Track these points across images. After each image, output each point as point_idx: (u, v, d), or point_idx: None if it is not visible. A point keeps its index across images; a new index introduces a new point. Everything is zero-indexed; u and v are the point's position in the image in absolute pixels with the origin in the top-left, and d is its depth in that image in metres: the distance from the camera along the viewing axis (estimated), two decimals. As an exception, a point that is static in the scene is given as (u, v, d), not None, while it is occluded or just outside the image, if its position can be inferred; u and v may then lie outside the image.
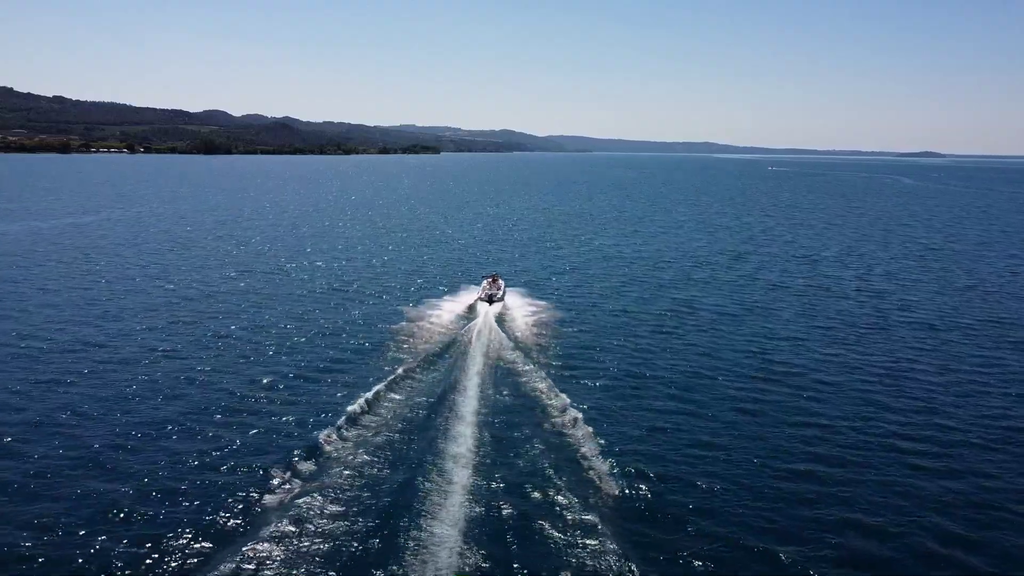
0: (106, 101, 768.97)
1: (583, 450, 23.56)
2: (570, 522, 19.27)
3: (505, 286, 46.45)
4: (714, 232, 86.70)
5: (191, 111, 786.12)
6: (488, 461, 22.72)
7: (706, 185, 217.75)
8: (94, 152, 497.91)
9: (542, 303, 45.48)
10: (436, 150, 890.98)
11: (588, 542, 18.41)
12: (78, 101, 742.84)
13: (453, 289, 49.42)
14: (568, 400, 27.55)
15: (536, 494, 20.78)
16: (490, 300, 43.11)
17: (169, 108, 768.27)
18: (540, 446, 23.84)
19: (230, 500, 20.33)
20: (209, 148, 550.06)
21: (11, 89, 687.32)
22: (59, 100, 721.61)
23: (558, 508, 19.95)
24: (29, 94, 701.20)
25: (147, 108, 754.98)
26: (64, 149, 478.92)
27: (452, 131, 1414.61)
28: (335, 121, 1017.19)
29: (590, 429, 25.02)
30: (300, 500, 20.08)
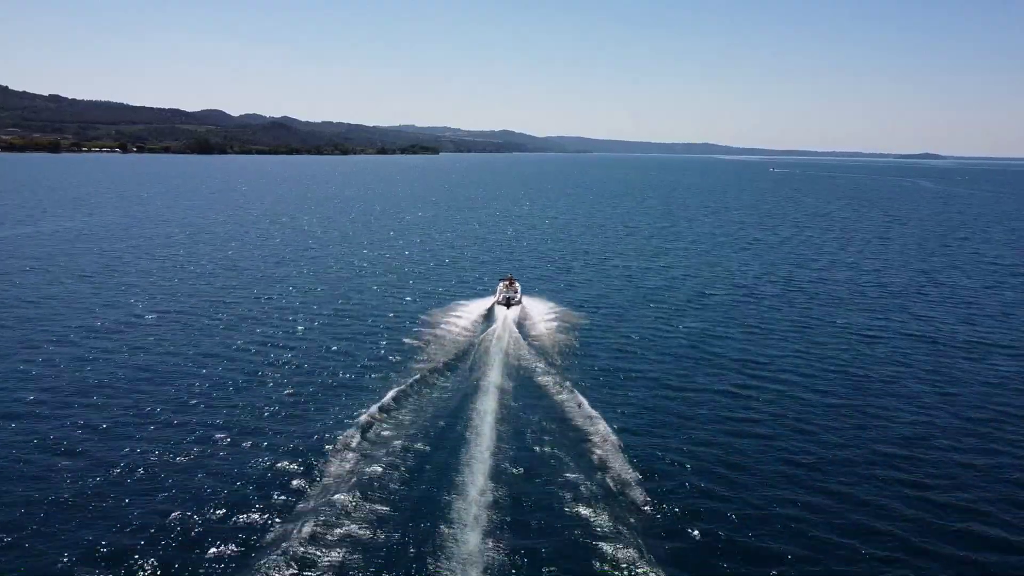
0: (103, 100, 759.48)
1: (607, 458, 23.25)
2: (594, 531, 19.11)
3: (521, 289, 45.52)
4: (753, 250, 75.34)
5: (189, 110, 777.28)
6: (510, 467, 22.57)
7: (718, 189, 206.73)
8: (85, 152, 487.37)
9: (560, 307, 44.54)
10: (435, 151, 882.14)
11: (611, 550, 18.22)
12: (74, 100, 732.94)
13: (468, 292, 48.89)
14: (592, 408, 26.97)
15: (559, 502, 20.63)
16: (507, 303, 42.23)
17: (167, 107, 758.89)
18: (564, 454, 23.59)
19: (250, 504, 20.40)
20: (204, 148, 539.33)
21: (6, 88, 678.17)
22: (55, 99, 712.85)
23: (582, 517, 19.73)
24: (25, 93, 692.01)
25: (144, 107, 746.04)
26: (54, 148, 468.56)
27: (451, 131, 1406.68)
28: (334, 121, 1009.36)
29: (615, 437, 24.67)
30: (318, 505, 20.05)
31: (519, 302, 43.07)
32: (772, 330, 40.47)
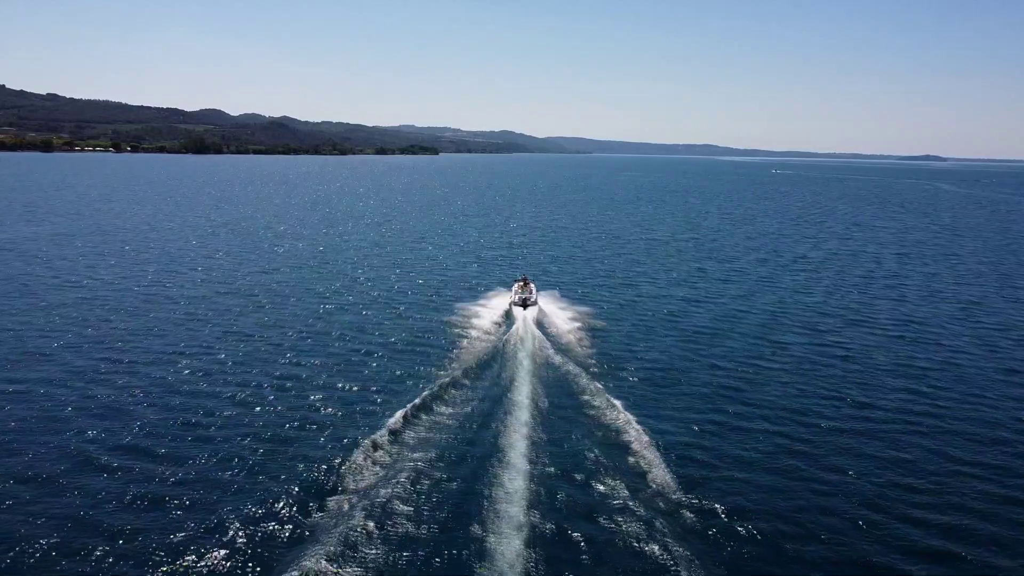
0: (101, 99, 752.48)
1: (641, 457, 23.22)
2: (632, 532, 19.09)
3: (536, 289, 45.11)
4: (807, 270, 63.42)
5: (188, 110, 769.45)
6: (547, 470, 22.33)
7: (733, 194, 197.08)
8: (78, 151, 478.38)
9: (578, 307, 44.35)
10: (435, 151, 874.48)
11: (650, 551, 18.24)
12: (72, 99, 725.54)
13: (483, 293, 48.72)
14: (623, 407, 27.09)
15: (597, 506, 20.46)
16: (524, 304, 41.77)
17: (165, 107, 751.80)
18: (599, 454, 23.40)
19: (280, 509, 20.19)
20: (200, 148, 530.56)
21: (3, 86, 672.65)
22: (52, 98, 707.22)
23: (621, 519, 19.71)
24: (21, 91, 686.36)
25: (143, 107, 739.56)
26: (47, 147, 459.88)
27: (451, 131, 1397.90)
28: (333, 121, 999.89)
29: (648, 437, 24.56)
30: (349, 509, 19.85)
31: (535, 303, 42.67)
32: (880, 405, 30.10)
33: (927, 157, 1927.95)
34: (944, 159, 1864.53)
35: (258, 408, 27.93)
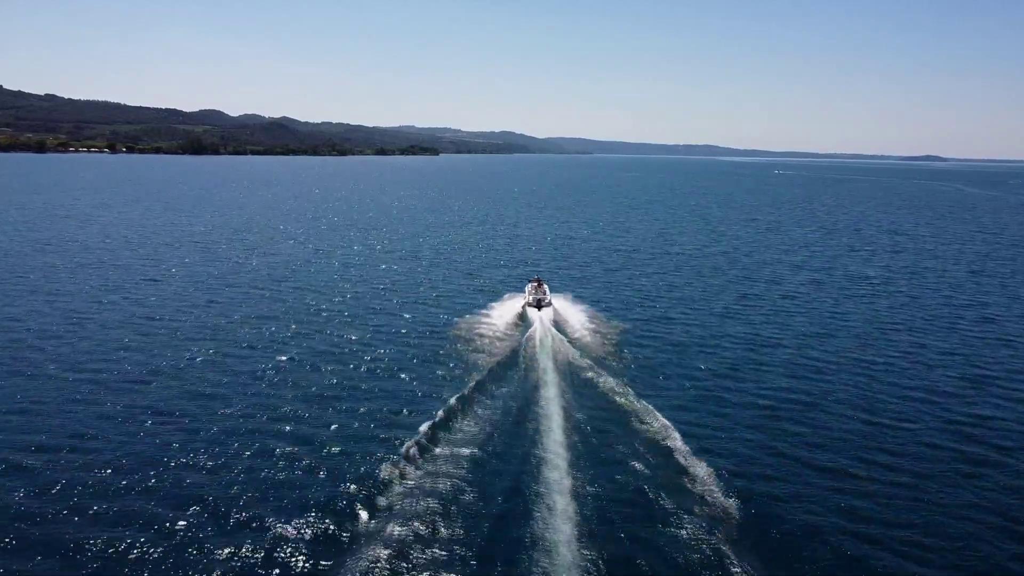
0: (99, 99, 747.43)
1: (677, 455, 23.25)
2: (673, 532, 19.27)
3: (549, 290, 44.86)
4: (875, 299, 52.75)
5: (187, 110, 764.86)
6: (584, 471, 22.44)
7: (744, 196, 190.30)
8: (72, 152, 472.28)
9: (591, 308, 44.75)
10: (435, 151, 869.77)
11: (695, 550, 18.44)
12: (70, 99, 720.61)
13: (495, 295, 48.73)
14: (651, 406, 27.37)
15: (637, 507, 20.61)
16: (538, 305, 41.74)
17: (165, 107, 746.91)
18: (633, 454, 23.52)
19: (316, 519, 20.31)
20: (197, 148, 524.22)
21: (0, 87, 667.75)
22: (50, 98, 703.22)
23: (662, 521, 19.83)
24: (19, 92, 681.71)
25: (142, 107, 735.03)
26: (40, 148, 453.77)
27: (452, 132, 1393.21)
28: (333, 121, 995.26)
29: (681, 436, 24.71)
30: (381, 518, 20.04)
31: (549, 304, 42.44)
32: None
33: (928, 157, 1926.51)
34: (945, 159, 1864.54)
35: (280, 423, 27.48)
